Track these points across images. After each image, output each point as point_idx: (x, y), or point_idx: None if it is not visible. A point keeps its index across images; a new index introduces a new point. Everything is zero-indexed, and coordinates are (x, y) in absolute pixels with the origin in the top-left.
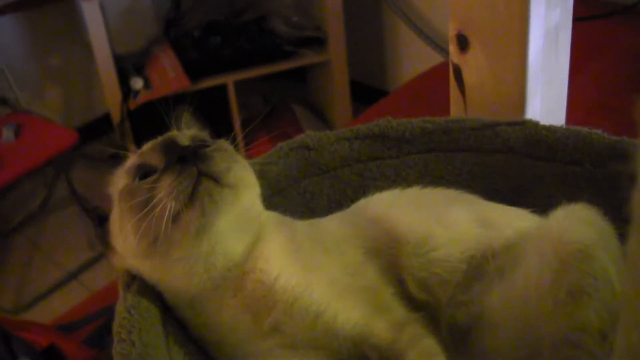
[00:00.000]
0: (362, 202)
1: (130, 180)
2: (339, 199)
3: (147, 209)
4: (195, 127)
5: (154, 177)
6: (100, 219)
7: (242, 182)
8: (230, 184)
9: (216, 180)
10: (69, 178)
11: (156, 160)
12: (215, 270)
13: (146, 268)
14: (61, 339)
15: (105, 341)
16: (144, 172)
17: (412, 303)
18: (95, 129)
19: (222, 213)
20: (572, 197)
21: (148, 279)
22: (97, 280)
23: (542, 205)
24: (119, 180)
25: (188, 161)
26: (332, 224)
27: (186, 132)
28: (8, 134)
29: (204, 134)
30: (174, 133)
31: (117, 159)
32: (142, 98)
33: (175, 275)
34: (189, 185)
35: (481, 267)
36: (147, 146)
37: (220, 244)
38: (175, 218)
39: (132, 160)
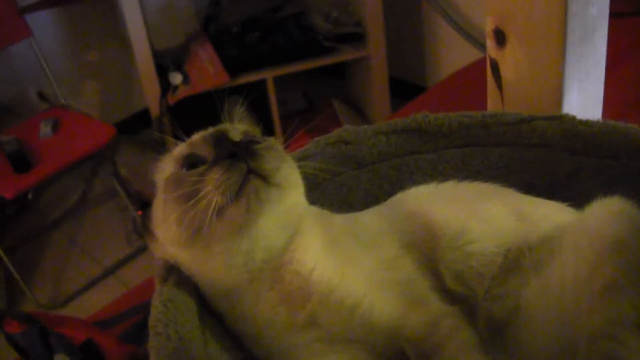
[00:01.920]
0: (399, 196)
1: (177, 169)
2: (376, 193)
3: (193, 201)
4: (247, 122)
5: (203, 168)
6: (143, 204)
7: (289, 182)
8: (277, 184)
9: (264, 178)
10: (114, 161)
11: (206, 151)
12: (254, 264)
13: (185, 257)
14: (98, 334)
15: (143, 337)
16: (192, 162)
17: (449, 296)
18: (134, 124)
19: (267, 211)
20: (608, 191)
21: (185, 268)
22: (134, 276)
23: (578, 200)
24: (166, 167)
25: (239, 157)
26: (369, 217)
27: (238, 127)
28: (46, 129)
29: (256, 131)
30: (226, 126)
31: (162, 147)
32: (181, 93)
33: (214, 266)
34: (237, 181)
35: (517, 260)
36: (197, 136)
37: (261, 240)
38: (220, 212)
39: (181, 148)
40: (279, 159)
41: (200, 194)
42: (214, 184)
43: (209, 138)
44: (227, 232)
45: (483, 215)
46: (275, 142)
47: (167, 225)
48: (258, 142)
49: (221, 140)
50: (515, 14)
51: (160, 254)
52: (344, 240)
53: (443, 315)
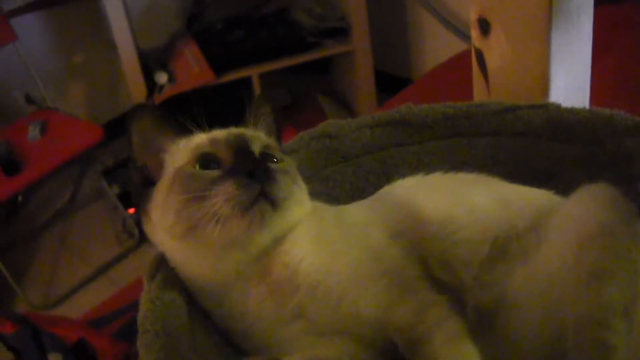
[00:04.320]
0: (386, 189)
1: (192, 164)
2: (361, 187)
3: (199, 203)
4: (268, 128)
5: (217, 174)
6: (145, 180)
7: (296, 206)
8: (284, 209)
9: (273, 203)
10: (130, 132)
11: (225, 155)
12: (242, 265)
13: (175, 247)
14: (91, 333)
15: (135, 335)
16: (207, 160)
17: (437, 285)
18: (121, 125)
19: (267, 232)
20: (593, 177)
21: (172, 258)
22: (124, 276)
23: (564, 187)
24: (180, 154)
25: (255, 177)
26: (358, 209)
27: (260, 136)
28: (34, 132)
29: (275, 144)
30: (248, 132)
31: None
32: (166, 92)
33: (202, 265)
34: (248, 200)
35: (504, 248)
36: (219, 135)
37: (254, 251)
38: (220, 221)
39: (201, 141)
40: (291, 184)
41: (209, 201)
42: (225, 196)
43: (231, 143)
44: (223, 241)
45: (469, 204)
46: (291, 163)
47: (165, 212)
48: (275, 160)
49: (243, 150)
50: (499, 2)
51: (152, 237)
52: (332, 231)
53: (431, 304)
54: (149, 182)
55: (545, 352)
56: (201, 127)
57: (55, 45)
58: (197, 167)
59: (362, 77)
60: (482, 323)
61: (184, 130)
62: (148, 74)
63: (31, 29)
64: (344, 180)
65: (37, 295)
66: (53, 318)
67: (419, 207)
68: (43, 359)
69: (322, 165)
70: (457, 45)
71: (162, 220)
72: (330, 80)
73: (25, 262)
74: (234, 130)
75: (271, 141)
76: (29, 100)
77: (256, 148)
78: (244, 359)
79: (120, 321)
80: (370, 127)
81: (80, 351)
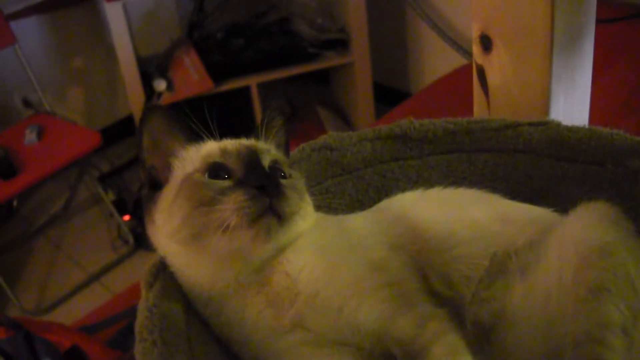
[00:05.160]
0: (386, 202)
1: (202, 172)
2: (361, 199)
3: (206, 209)
4: (279, 140)
5: (227, 184)
6: (153, 182)
7: (302, 219)
8: (290, 224)
9: (280, 217)
10: (142, 131)
11: (235, 168)
12: (242, 275)
13: (176, 252)
14: (84, 340)
15: (129, 342)
16: (217, 170)
17: (437, 299)
18: (119, 131)
19: (271, 245)
20: (593, 196)
21: (172, 263)
22: (118, 282)
23: (563, 205)
24: (190, 160)
25: (266, 190)
26: (358, 221)
27: (270, 150)
28: (31, 135)
29: (283, 157)
30: (258, 145)
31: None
32: (165, 100)
33: (201, 272)
34: (256, 212)
35: (503, 264)
36: (230, 145)
37: (256, 263)
38: (226, 230)
39: (213, 150)
40: (299, 200)
41: (217, 209)
42: (234, 205)
43: (243, 156)
44: (228, 250)
45: (468, 219)
46: (299, 179)
47: (171, 216)
48: (283, 174)
49: (253, 163)
50: (501, 19)
51: (153, 240)
52: (334, 242)
53: (430, 317)
54: (155, 185)
55: None
56: (212, 135)
57: (54, 49)
58: (207, 175)
59: (360, 88)
60: (481, 338)
61: (195, 136)
62: (147, 80)
63: (31, 32)
64: (343, 192)
65: (30, 301)
66: (46, 324)
67: (419, 221)
68: None
69: (322, 177)
70: (456, 60)
71: (166, 224)
72: (329, 91)
73: (19, 267)
74: (245, 142)
75: (280, 155)
76: (27, 104)
77: (266, 162)
78: None
79: (113, 328)
80: (370, 141)
81: (73, 357)
